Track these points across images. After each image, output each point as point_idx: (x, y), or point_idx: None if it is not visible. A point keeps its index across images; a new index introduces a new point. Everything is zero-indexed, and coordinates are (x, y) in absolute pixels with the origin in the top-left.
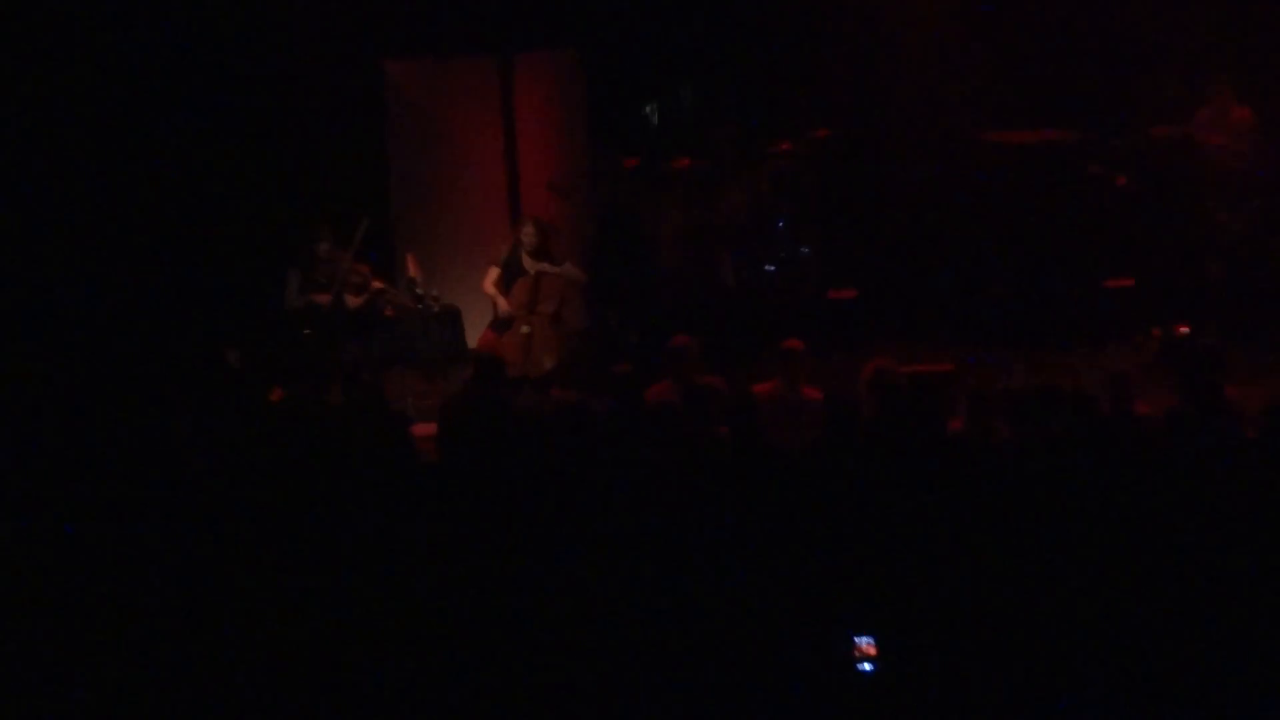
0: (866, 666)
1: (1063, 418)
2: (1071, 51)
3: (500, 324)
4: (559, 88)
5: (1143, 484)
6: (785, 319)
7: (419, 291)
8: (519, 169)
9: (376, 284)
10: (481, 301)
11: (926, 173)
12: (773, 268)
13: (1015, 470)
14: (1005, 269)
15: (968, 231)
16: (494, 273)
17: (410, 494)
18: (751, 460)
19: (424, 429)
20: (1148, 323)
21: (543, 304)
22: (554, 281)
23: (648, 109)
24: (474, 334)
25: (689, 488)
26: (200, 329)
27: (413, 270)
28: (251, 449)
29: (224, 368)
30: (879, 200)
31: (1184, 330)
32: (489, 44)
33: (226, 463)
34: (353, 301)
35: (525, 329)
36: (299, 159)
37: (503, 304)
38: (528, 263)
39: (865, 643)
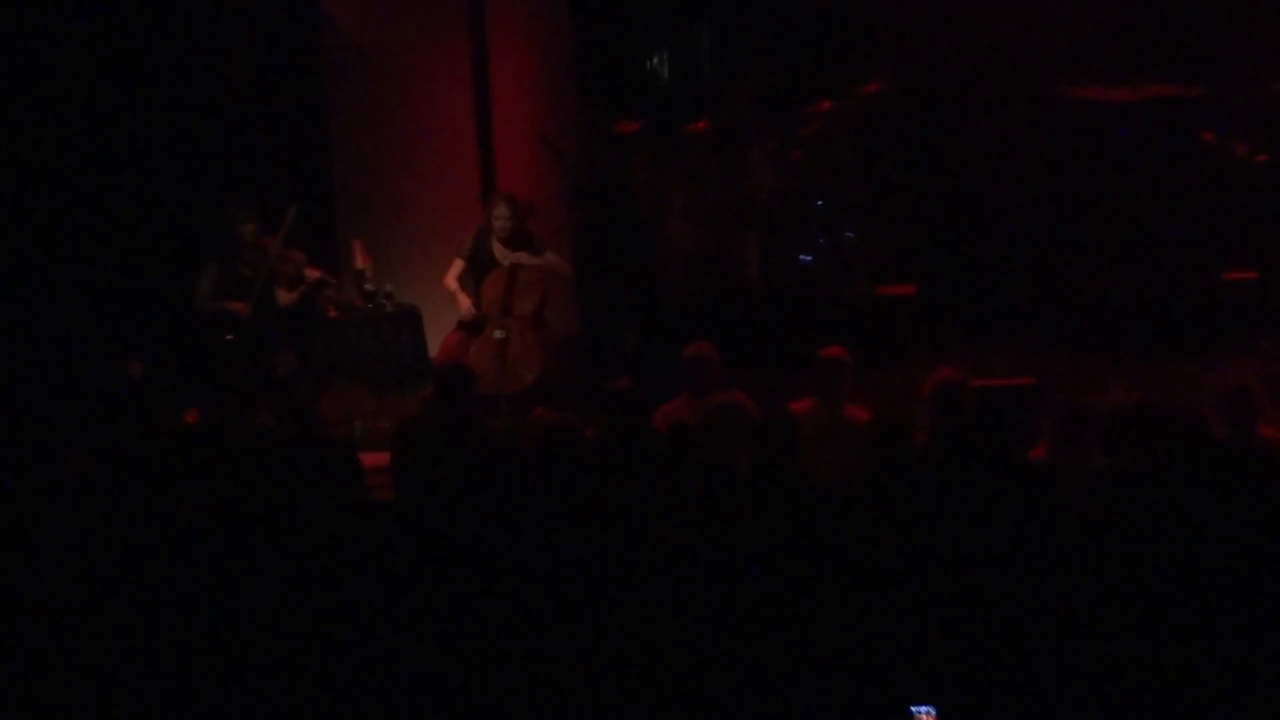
0: None
1: (1170, 443)
2: None
3: (469, 327)
4: (542, 31)
5: (1270, 525)
6: (825, 321)
7: (368, 287)
8: (492, 134)
9: (312, 274)
10: (445, 299)
11: (1001, 139)
12: (809, 257)
13: (1112, 507)
14: (1098, 259)
15: (1052, 212)
16: (457, 265)
17: (358, 540)
18: (784, 496)
19: (375, 458)
20: (1274, 326)
21: (520, 303)
22: (533, 275)
23: (654, 59)
24: (436, 340)
25: (707, 531)
26: (94, 335)
27: (360, 260)
28: (161, 486)
29: (125, 384)
30: (942, 173)
31: None
32: None
33: (128, 504)
34: (285, 298)
35: (499, 334)
36: (216, 122)
37: (464, 303)
38: (500, 252)
39: (924, 713)
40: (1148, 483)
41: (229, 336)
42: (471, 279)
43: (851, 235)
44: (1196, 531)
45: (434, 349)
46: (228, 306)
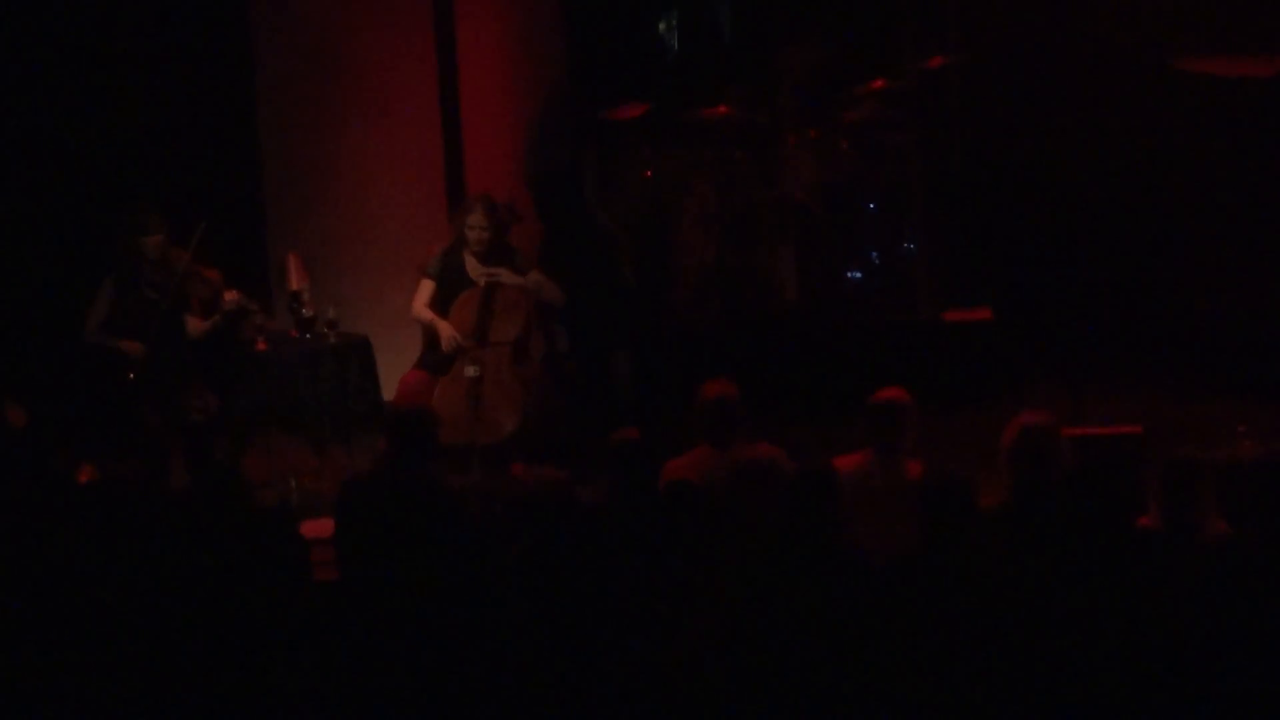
0: None
1: None
2: None
3: (433, 363)
4: None
5: None
6: (879, 354)
7: (305, 313)
8: (460, 122)
9: (231, 297)
10: (402, 328)
11: (1099, 125)
12: (858, 274)
13: (1236, 585)
14: (1220, 276)
15: (1162, 217)
16: (427, 287)
17: (294, 628)
18: (829, 570)
19: (315, 527)
20: None
21: (498, 331)
22: (514, 297)
23: (663, 26)
24: (390, 378)
25: (732, 613)
26: None
27: (295, 280)
28: (45, 559)
29: (2, 434)
30: (1024, 168)
31: None
32: None
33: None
34: (196, 327)
35: (472, 370)
36: (112, 110)
37: (446, 331)
38: (474, 268)
39: None
40: None
41: (130, 375)
42: (439, 304)
43: (911, 247)
44: None
45: (388, 389)
46: (120, 345)
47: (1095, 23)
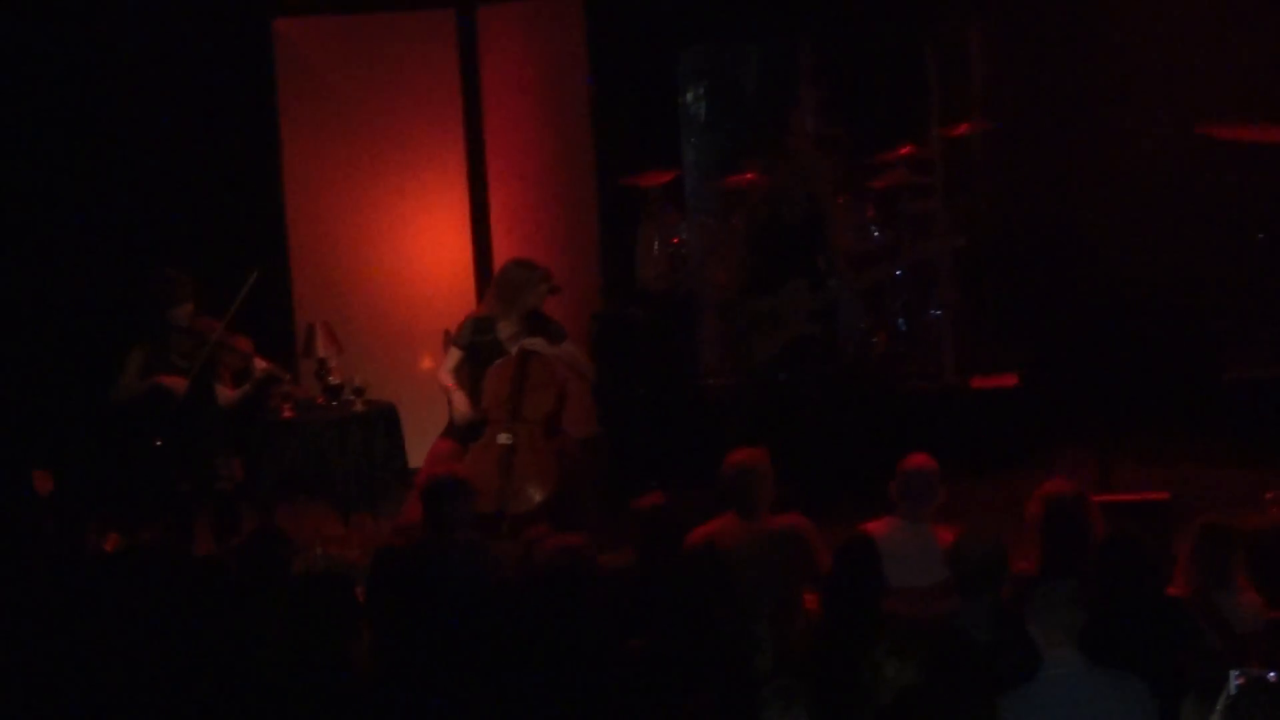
0: None
1: None
2: None
3: (464, 432)
4: (554, 62)
5: None
6: (906, 421)
7: (332, 380)
8: (488, 191)
9: (261, 365)
10: (429, 396)
11: (1128, 190)
12: (881, 344)
13: (1264, 656)
14: (1250, 339)
15: (1191, 281)
16: (455, 356)
17: (329, 698)
18: (855, 638)
19: None
20: None
21: (532, 403)
22: (549, 368)
23: (691, 96)
24: (417, 447)
25: (753, 686)
26: None
27: (322, 347)
28: (75, 629)
29: (30, 501)
30: (1052, 233)
31: None
32: None
33: (36, 650)
34: (227, 395)
35: (505, 438)
36: (142, 179)
37: (460, 401)
38: (508, 333)
39: None
40: None
41: (158, 442)
42: (468, 373)
43: (938, 313)
44: None
45: (415, 457)
46: (160, 381)
47: (1122, 89)
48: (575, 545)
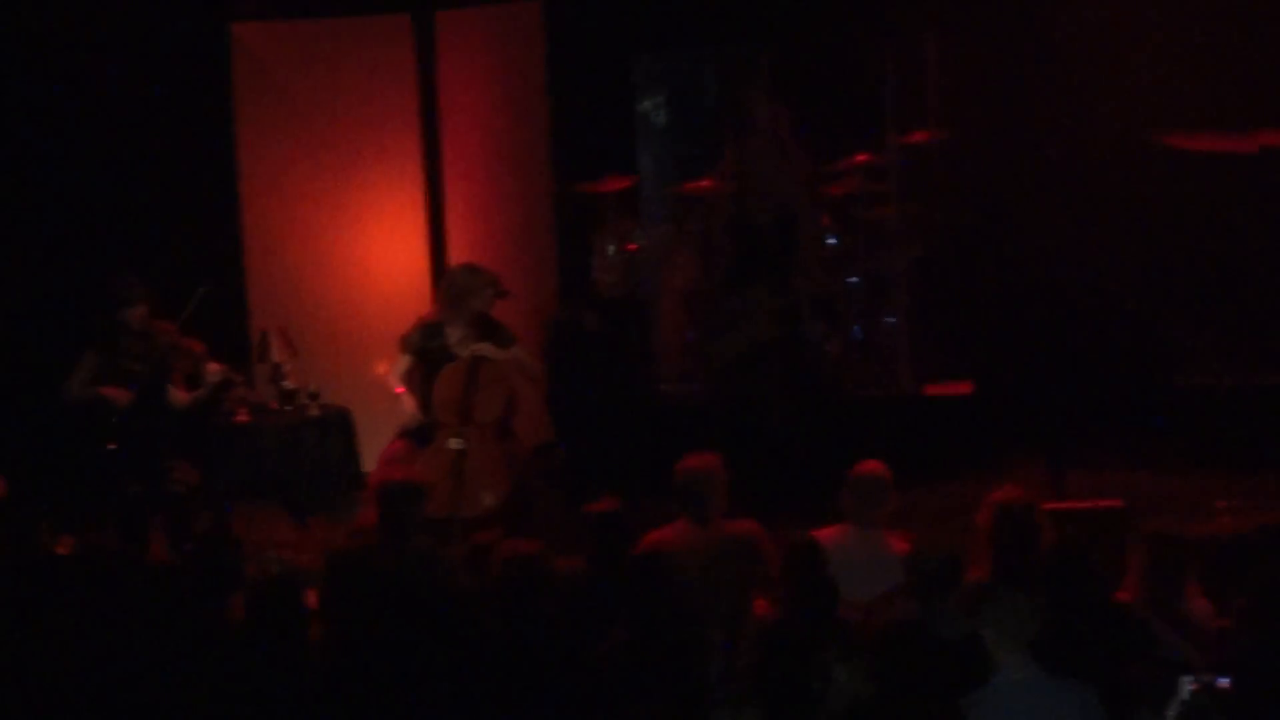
0: None
1: None
2: None
3: (417, 435)
4: (511, 68)
5: None
6: (860, 429)
7: (286, 385)
8: (444, 198)
9: (214, 369)
10: (383, 400)
11: (1081, 198)
12: (837, 348)
13: (1219, 663)
14: (1200, 348)
15: (1143, 290)
16: (405, 362)
17: (280, 701)
18: (805, 642)
19: None
20: None
21: (482, 406)
22: (499, 372)
23: (648, 104)
24: (371, 449)
25: (704, 691)
26: None
27: (277, 352)
28: (27, 631)
29: None
30: (1006, 242)
31: None
32: None
33: None
34: (180, 399)
35: (455, 443)
36: (103, 179)
37: (410, 406)
38: (457, 338)
39: None
40: (1265, 633)
41: (111, 445)
42: (420, 377)
43: (893, 320)
44: None
45: (368, 462)
46: (101, 392)
47: (1078, 99)
48: (531, 552)
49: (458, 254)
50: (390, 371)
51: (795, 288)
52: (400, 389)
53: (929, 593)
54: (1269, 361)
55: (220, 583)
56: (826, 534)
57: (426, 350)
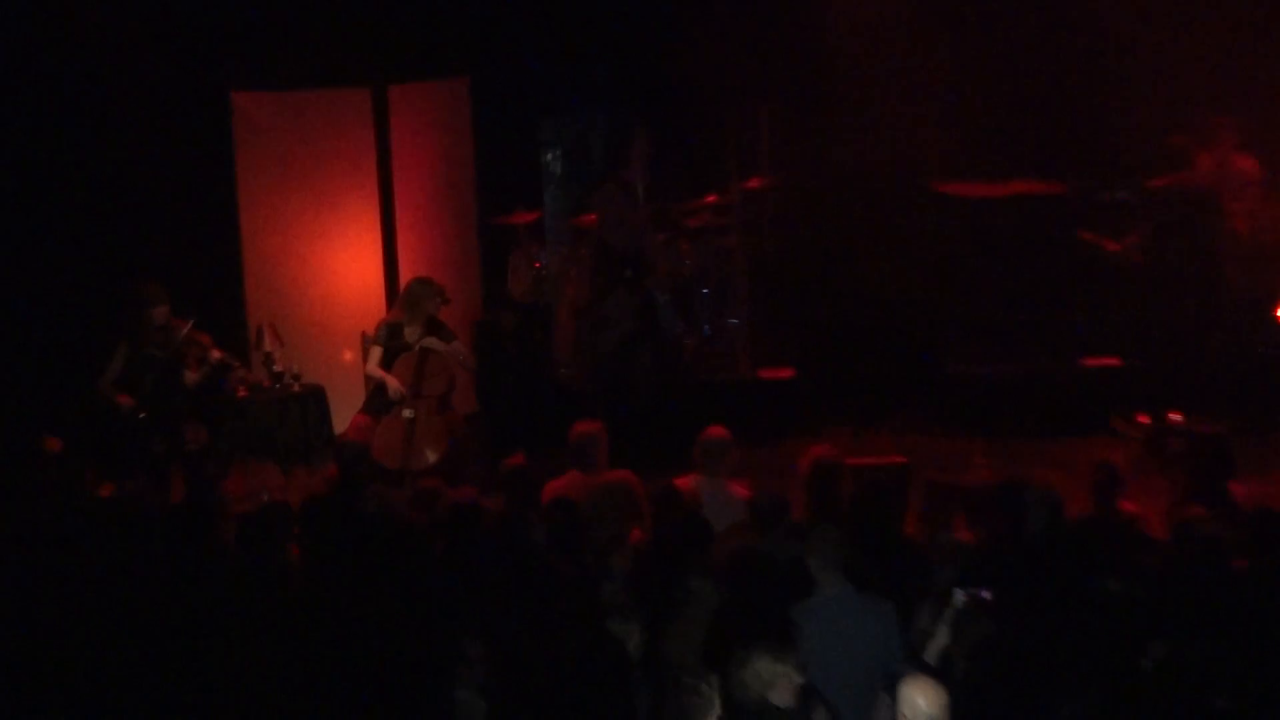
0: None
1: (1034, 517)
2: (1054, 91)
3: (376, 407)
4: (444, 130)
5: (1133, 593)
6: (708, 403)
7: (275, 368)
8: (395, 226)
9: (216, 354)
10: (351, 380)
11: (876, 231)
12: (691, 342)
13: (976, 579)
14: (967, 344)
15: (925, 300)
16: (377, 353)
17: (266, 613)
18: (669, 563)
19: None
20: (1133, 408)
21: (429, 386)
22: (442, 361)
23: (549, 156)
24: (341, 417)
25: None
26: (11, 412)
27: (269, 342)
28: (76, 557)
29: (42, 459)
30: (820, 263)
31: (1176, 418)
32: (361, 74)
33: (46, 575)
34: (190, 377)
35: (408, 413)
36: (132, 209)
37: (394, 383)
38: (411, 335)
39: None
40: (1011, 554)
41: (142, 415)
42: (383, 363)
43: (735, 321)
44: (1060, 602)
45: (339, 425)
46: (117, 400)
47: (874, 155)
48: (469, 497)
49: (406, 270)
50: (368, 363)
51: (647, 288)
52: (381, 373)
53: (764, 526)
54: (1016, 354)
55: (202, 524)
56: (683, 482)
57: (389, 343)
